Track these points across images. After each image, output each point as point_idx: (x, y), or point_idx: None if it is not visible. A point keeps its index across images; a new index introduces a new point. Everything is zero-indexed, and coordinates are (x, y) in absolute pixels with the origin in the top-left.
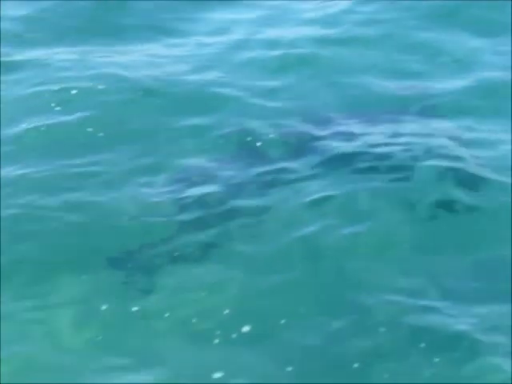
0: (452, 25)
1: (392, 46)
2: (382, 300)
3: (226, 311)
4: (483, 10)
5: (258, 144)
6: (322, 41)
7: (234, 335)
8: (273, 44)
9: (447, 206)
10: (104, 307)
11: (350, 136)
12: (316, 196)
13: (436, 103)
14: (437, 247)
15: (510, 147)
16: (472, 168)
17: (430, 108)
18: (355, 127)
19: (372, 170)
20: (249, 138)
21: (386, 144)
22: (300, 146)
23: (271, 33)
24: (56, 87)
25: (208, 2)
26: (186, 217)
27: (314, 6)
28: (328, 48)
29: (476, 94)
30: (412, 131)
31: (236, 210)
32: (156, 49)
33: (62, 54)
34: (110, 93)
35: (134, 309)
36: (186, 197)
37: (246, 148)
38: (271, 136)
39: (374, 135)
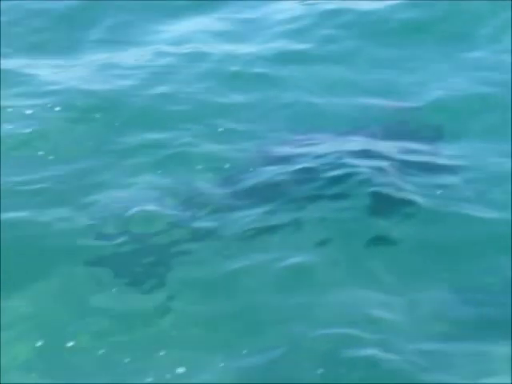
0: (422, 41)
1: (359, 62)
2: (319, 334)
3: (161, 351)
4: (453, 26)
5: (209, 166)
6: (286, 56)
7: (167, 375)
8: (235, 58)
9: (387, 238)
10: (37, 340)
11: (304, 160)
12: (259, 225)
13: (400, 123)
14: (374, 281)
15: (470, 175)
16: (421, 200)
17: (394, 129)
18: (312, 150)
19: (320, 197)
20: (199, 159)
21: (341, 167)
22: (251, 170)
23: (235, 47)
24: (9, 104)
25: (174, 13)
26: (125, 240)
27: (283, 19)
28: (292, 64)
29: (440, 116)
30: (371, 153)
31: (179, 235)
32: (114, 62)
33: (17, 69)
34: (63, 108)
35: (68, 343)
36: (128, 218)
37: (195, 170)
38: (223, 158)
39: (330, 157)
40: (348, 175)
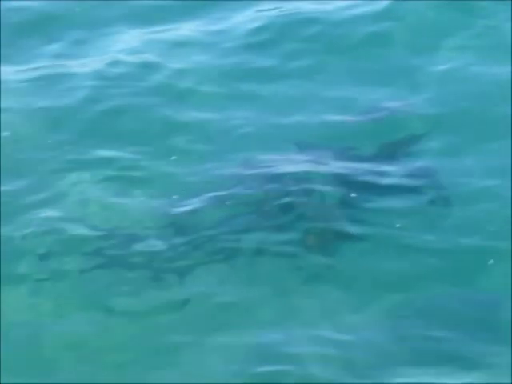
0: (389, 54)
1: (322, 78)
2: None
3: None
4: (421, 38)
5: (152, 189)
6: (247, 72)
7: None
8: (193, 73)
9: (323, 275)
10: None
11: (254, 185)
12: (192, 257)
13: (363, 142)
14: (304, 319)
15: (430, 197)
16: (366, 231)
17: (354, 149)
18: (266, 173)
19: (261, 229)
20: (144, 181)
21: (290, 195)
22: (196, 196)
23: (194, 60)
24: None
25: (139, 25)
26: (59, 262)
27: (248, 32)
28: (253, 80)
29: (406, 133)
30: (326, 178)
31: (134, 255)
32: (67, 75)
33: None
34: (10, 126)
35: None
36: (65, 239)
37: (137, 193)
38: (169, 182)
39: (282, 182)
40: (295, 205)
